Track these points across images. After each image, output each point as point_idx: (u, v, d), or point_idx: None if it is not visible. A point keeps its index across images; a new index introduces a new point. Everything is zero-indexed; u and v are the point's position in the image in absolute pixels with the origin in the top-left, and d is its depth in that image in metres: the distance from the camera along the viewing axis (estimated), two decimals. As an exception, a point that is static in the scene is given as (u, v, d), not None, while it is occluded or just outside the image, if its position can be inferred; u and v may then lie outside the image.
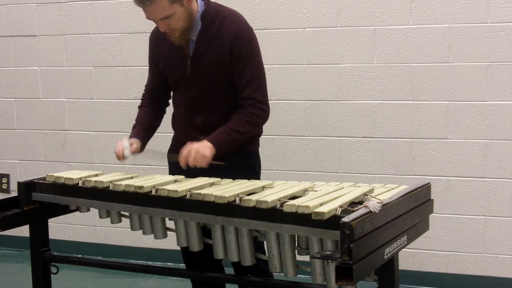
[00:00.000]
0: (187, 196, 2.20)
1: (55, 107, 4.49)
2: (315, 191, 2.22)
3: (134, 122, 2.82)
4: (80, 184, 2.45)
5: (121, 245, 4.40)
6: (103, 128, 4.38)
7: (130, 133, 2.76)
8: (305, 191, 2.21)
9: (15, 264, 4.41)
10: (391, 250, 1.94)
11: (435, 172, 3.73)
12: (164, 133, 2.95)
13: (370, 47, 3.77)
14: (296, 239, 2.09)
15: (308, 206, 1.93)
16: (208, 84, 2.62)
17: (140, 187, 2.28)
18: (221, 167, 2.51)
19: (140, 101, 2.89)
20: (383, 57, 3.76)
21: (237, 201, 2.11)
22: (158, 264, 4.16)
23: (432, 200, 2.33)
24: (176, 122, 2.83)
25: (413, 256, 3.81)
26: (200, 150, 2.48)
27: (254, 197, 2.08)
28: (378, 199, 2.01)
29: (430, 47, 3.68)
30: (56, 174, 2.52)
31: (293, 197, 2.11)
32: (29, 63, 4.51)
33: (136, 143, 2.69)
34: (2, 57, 4.57)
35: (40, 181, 2.53)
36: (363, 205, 1.90)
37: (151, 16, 2.54)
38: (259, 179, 2.71)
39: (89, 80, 4.39)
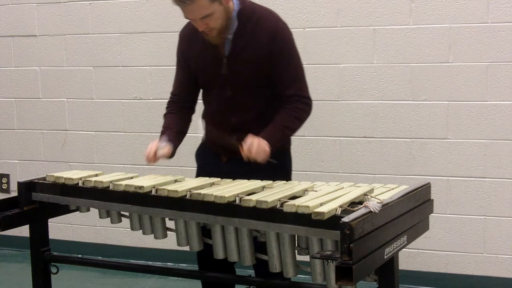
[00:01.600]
0: (187, 196, 2.20)
1: (55, 107, 4.49)
2: (315, 191, 2.22)
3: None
4: (80, 184, 2.45)
5: (121, 245, 4.40)
6: (103, 128, 4.38)
7: (159, 139, 2.69)
8: (305, 191, 2.21)
9: (15, 264, 4.41)
10: (391, 250, 1.94)
11: (435, 172, 3.72)
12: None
13: (370, 47, 3.77)
14: (296, 239, 2.09)
15: (308, 206, 1.93)
16: (244, 83, 2.60)
17: (140, 187, 2.28)
18: (269, 165, 2.50)
19: (166, 108, 2.81)
20: (383, 57, 3.76)
21: (237, 201, 2.10)
22: (158, 264, 4.16)
23: (432, 200, 2.33)
24: (207, 121, 2.77)
25: (413, 256, 3.81)
26: (262, 144, 2.46)
27: (254, 197, 2.08)
28: (378, 199, 2.01)
29: (430, 47, 3.68)
30: (56, 174, 2.52)
31: (293, 197, 2.11)
32: (29, 63, 4.51)
33: (168, 147, 2.63)
34: (2, 57, 4.57)
35: (40, 181, 2.53)
36: (363, 205, 1.90)
37: (190, 16, 2.48)
38: (290, 179, 2.69)
39: (89, 80, 4.39)
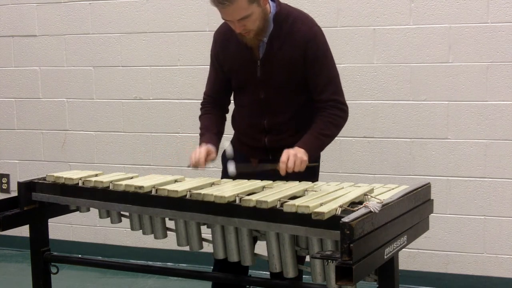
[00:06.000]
0: (187, 196, 2.20)
1: (55, 107, 4.49)
2: (315, 191, 2.22)
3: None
4: (80, 184, 2.45)
5: (121, 245, 4.40)
6: (103, 128, 4.38)
7: (200, 140, 2.68)
8: (305, 191, 2.21)
9: (15, 264, 4.41)
10: (391, 250, 1.94)
11: (435, 172, 3.73)
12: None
13: (370, 47, 3.77)
14: (296, 239, 2.09)
15: (308, 206, 1.93)
16: (278, 86, 2.58)
17: (140, 187, 2.28)
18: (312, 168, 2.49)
19: (200, 110, 2.80)
20: (383, 57, 3.76)
21: (237, 201, 2.11)
22: (158, 264, 4.16)
23: (432, 200, 2.33)
24: (237, 123, 2.77)
25: (413, 256, 3.81)
26: (298, 155, 2.43)
27: (254, 197, 2.08)
28: (378, 199, 2.01)
29: (430, 47, 3.68)
30: (56, 174, 2.52)
31: (293, 197, 2.11)
32: (29, 63, 4.51)
33: (214, 151, 2.61)
34: (2, 57, 4.57)
35: (40, 181, 2.53)
36: (363, 205, 1.90)
37: (229, 17, 2.45)
38: (318, 179, 2.68)
39: (89, 80, 4.39)
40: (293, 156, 2.42)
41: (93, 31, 4.34)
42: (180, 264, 4.22)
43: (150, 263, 4.15)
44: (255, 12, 2.42)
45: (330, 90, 2.59)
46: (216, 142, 2.67)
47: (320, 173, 2.78)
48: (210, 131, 2.69)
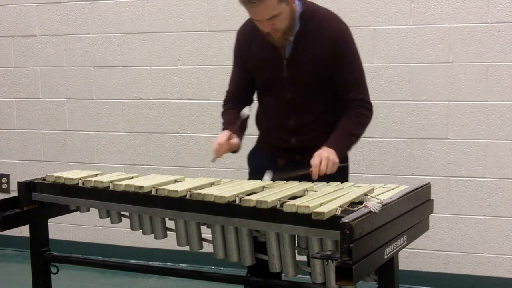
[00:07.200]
0: (187, 196, 2.20)
1: (55, 107, 4.49)
2: (315, 191, 2.22)
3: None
4: (80, 184, 2.45)
5: (121, 245, 4.40)
6: (103, 128, 4.38)
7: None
8: (305, 191, 2.21)
9: (15, 264, 4.41)
10: (391, 250, 1.94)
11: (435, 172, 3.72)
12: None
13: (370, 47, 3.77)
14: (296, 239, 2.09)
15: (308, 206, 1.93)
16: (305, 85, 2.56)
17: (140, 187, 2.28)
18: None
19: (223, 106, 2.77)
20: (383, 57, 3.76)
21: (237, 201, 2.10)
22: (158, 264, 4.16)
23: (432, 200, 2.33)
24: (262, 123, 2.73)
25: (413, 256, 3.81)
26: (330, 157, 2.42)
27: (254, 197, 2.08)
28: (378, 199, 2.01)
29: (430, 47, 3.68)
30: (56, 174, 2.52)
31: (293, 197, 2.11)
32: (29, 63, 4.51)
33: (237, 138, 2.56)
34: (2, 57, 4.57)
35: (40, 181, 2.53)
36: (363, 205, 1.90)
37: (258, 16, 2.41)
38: (348, 180, 2.67)
39: (89, 80, 4.39)
40: (326, 159, 2.40)
41: (93, 31, 4.34)
42: (180, 264, 4.22)
43: (150, 263, 4.15)
44: (284, 11, 2.40)
45: (357, 89, 2.59)
46: (239, 134, 2.61)
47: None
48: (234, 124, 2.63)
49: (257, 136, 2.80)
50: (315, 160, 2.41)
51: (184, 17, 4.11)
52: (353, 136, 2.57)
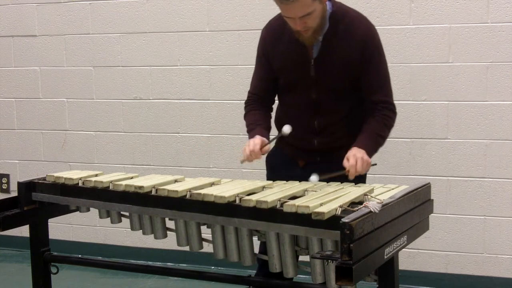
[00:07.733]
0: (187, 196, 2.20)
1: (55, 107, 4.49)
2: (315, 191, 2.22)
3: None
4: (80, 184, 2.45)
5: (121, 245, 4.40)
6: (103, 128, 4.38)
7: (250, 135, 2.58)
8: (305, 191, 2.21)
9: (15, 264, 4.41)
10: (391, 250, 1.94)
11: (435, 172, 3.72)
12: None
13: (370, 47, 3.76)
14: (296, 239, 2.09)
15: (308, 206, 1.93)
16: (331, 86, 2.54)
17: (140, 187, 2.28)
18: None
19: (245, 108, 2.73)
20: (383, 57, 3.75)
21: (237, 201, 2.10)
22: (158, 264, 4.16)
23: (432, 200, 2.33)
24: (283, 123, 2.65)
25: (413, 256, 3.81)
26: (364, 157, 2.42)
27: (254, 197, 2.08)
28: (378, 199, 2.01)
29: (430, 47, 3.68)
30: (56, 174, 2.52)
31: (293, 197, 2.11)
32: (29, 63, 4.51)
33: (268, 147, 2.54)
34: (2, 57, 4.57)
35: (40, 181, 2.53)
36: (363, 205, 1.91)
37: (291, 14, 2.37)
38: (365, 182, 2.66)
39: (89, 80, 4.39)
40: (360, 160, 2.39)
41: (93, 31, 4.34)
42: (180, 264, 4.22)
43: (150, 263, 4.15)
44: (317, 9, 2.38)
45: (383, 91, 2.58)
46: (267, 136, 2.59)
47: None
48: (260, 125, 2.60)
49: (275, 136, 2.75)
50: (351, 161, 2.40)
51: (184, 17, 4.11)
52: (380, 137, 2.57)
